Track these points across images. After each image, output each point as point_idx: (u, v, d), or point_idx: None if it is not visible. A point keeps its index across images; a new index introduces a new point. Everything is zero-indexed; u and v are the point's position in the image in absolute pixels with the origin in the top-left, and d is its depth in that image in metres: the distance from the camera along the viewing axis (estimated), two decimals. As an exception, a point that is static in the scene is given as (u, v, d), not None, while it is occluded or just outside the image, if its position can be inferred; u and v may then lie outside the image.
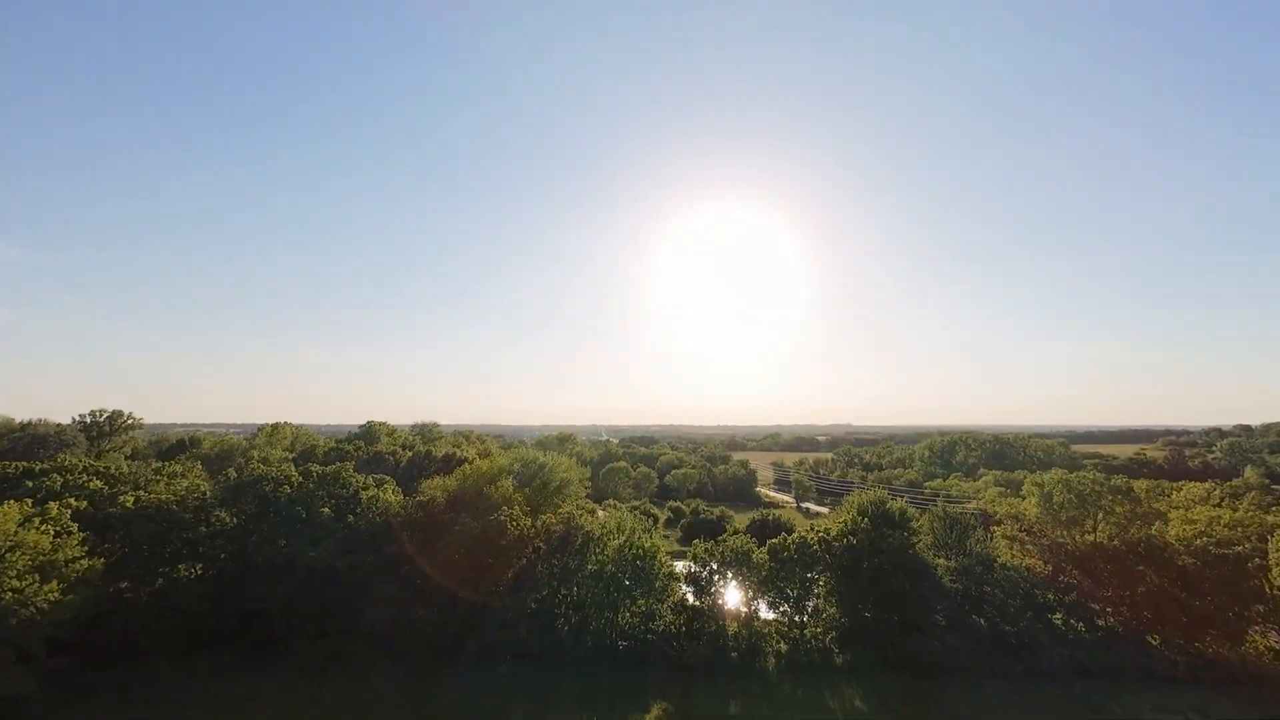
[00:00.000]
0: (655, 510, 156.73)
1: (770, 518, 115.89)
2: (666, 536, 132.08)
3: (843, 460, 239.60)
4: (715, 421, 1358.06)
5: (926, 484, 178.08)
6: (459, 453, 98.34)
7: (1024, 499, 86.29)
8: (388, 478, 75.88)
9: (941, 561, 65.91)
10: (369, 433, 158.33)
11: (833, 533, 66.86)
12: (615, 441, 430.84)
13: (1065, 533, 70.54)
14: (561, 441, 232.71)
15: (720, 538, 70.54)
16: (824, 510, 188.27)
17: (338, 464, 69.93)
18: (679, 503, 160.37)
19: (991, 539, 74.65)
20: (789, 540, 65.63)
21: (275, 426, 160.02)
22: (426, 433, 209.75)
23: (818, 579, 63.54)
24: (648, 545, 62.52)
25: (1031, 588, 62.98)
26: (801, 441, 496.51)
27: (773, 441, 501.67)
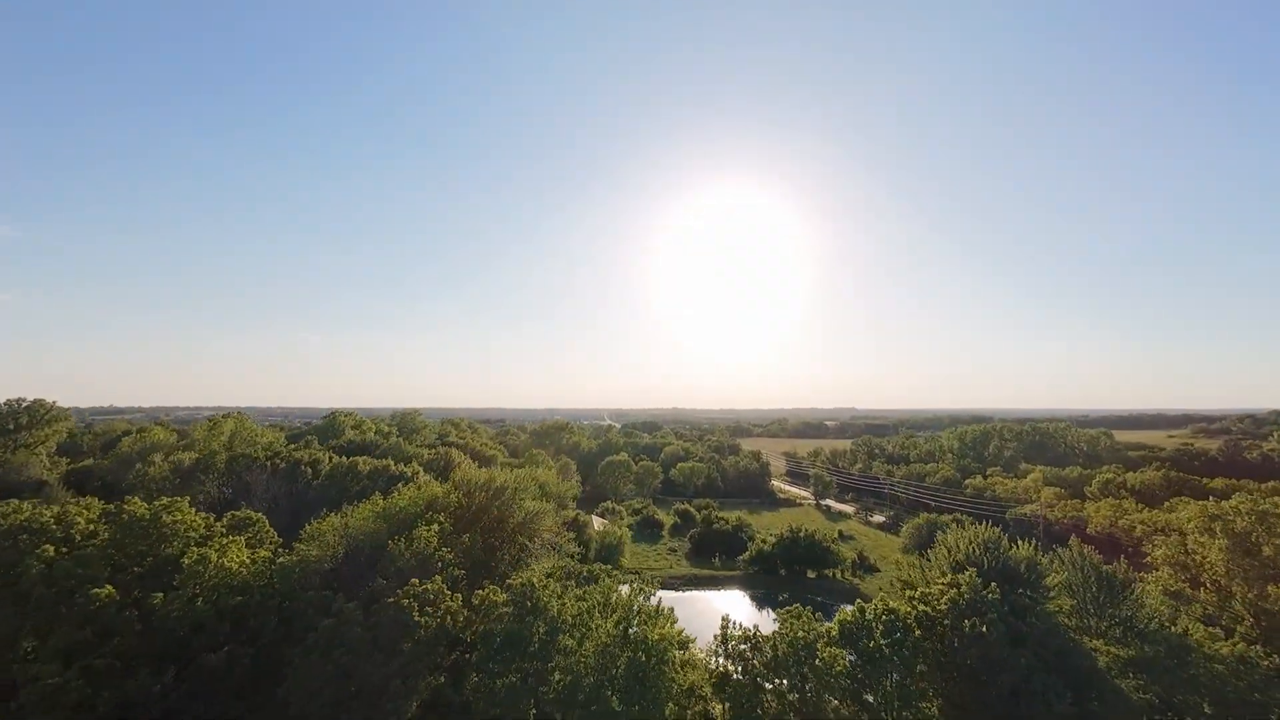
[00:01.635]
0: (660, 514, 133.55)
1: (802, 534, 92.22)
2: (673, 550, 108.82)
3: (863, 451, 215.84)
4: (719, 405, 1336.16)
5: (966, 482, 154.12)
6: (401, 468, 73.44)
7: (1174, 531, 62.53)
8: (258, 517, 49.95)
9: (1101, 646, 42.07)
10: (332, 425, 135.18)
11: (938, 601, 42.96)
12: (618, 428, 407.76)
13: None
14: (556, 432, 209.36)
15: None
16: (847, 509, 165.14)
17: (171, 500, 44.10)
18: (687, 504, 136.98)
19: (1136, 589, 50.52)
20: (872, 615, 41.65)
21: (214, 421, 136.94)
22: (406, 423, 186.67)
23: (911, 679, 39.75)
24: (655, 639, 38.60)
25: (1253, 689, 39.06)
26: (809, 427, 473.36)
27: (779, 427, 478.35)
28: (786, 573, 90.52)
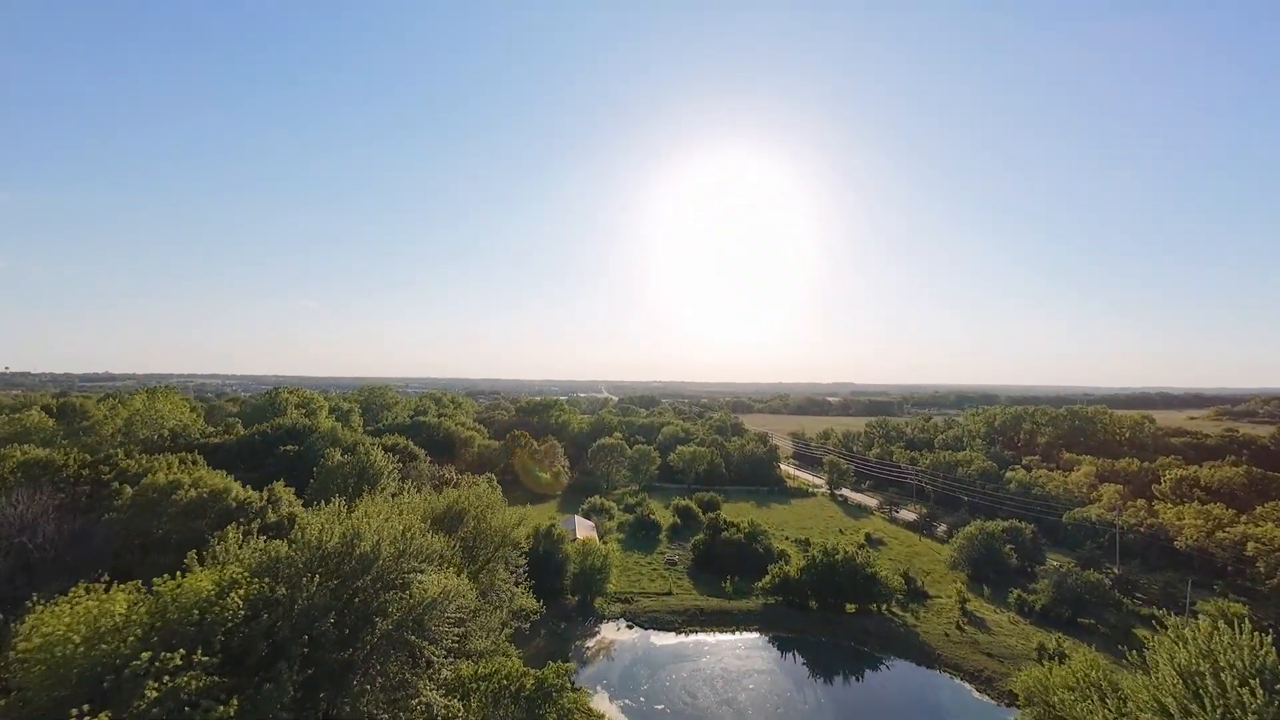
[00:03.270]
0: (656, 511, 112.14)
1: (839, 556, 70.14)
2: (673, 564, 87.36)
3: (878, 434, 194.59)
4: (718, 379, 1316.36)
5: (1007, 475, 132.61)
6: (246, 497, 48.58)
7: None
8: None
9: None
10: (272, 403, 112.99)
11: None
12: (613, 402, 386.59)
13: None
14: (544, 409, 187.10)
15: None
16: (867, 501, 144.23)
17: None
18: (688, 500, 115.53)
19: None
20: None
21: (152, 392, 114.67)
22: (374, 399, 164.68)
23: None
24: None
25: None
26: (811, 404, 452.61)
27: (781, 404, 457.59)
28: (818, 605, 69.13)
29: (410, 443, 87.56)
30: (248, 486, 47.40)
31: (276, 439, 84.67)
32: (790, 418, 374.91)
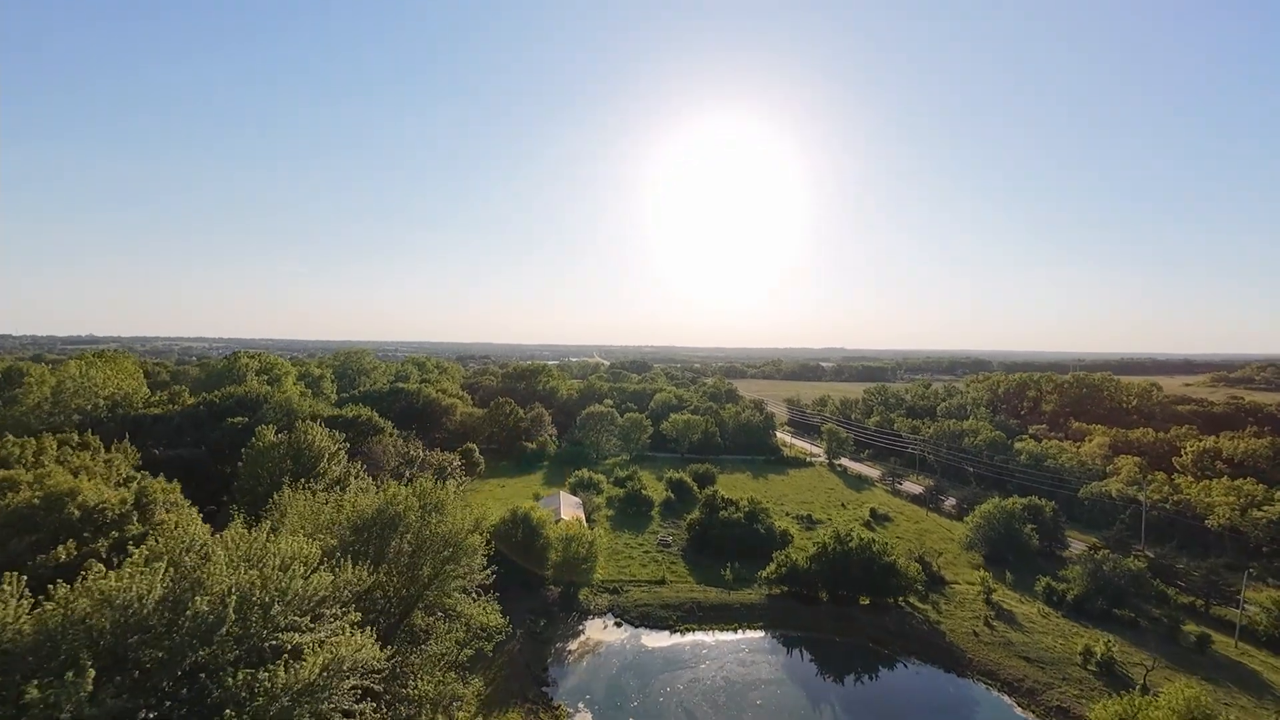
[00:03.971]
0: (648, 484, 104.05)
1: (853, 543, 61.94)
2: (666, 545, 79.40)
3: (877, 401, 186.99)
4: (710, 344, 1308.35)
5: (1016, 445, 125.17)
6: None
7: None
8: None
9: None
10: (231, 369, 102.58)
11: None
12: (605, 367, 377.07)
13: None
14: (532, 375, 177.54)
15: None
16: (868, 472, 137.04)
17: None
18: (681, 473, 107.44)
19: None
20: None
21: (99, 355, 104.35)
22: (349, 364, 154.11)
23: None
24: None
25: None
26: (805, 369, 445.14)
27: (774, 369, 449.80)
28: (830, 598, 61.31)
29: (375, 414, 77.97)
30: (133, 483, 37.66)
31: (225, 410, 74.93)
32: (784, 383, 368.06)
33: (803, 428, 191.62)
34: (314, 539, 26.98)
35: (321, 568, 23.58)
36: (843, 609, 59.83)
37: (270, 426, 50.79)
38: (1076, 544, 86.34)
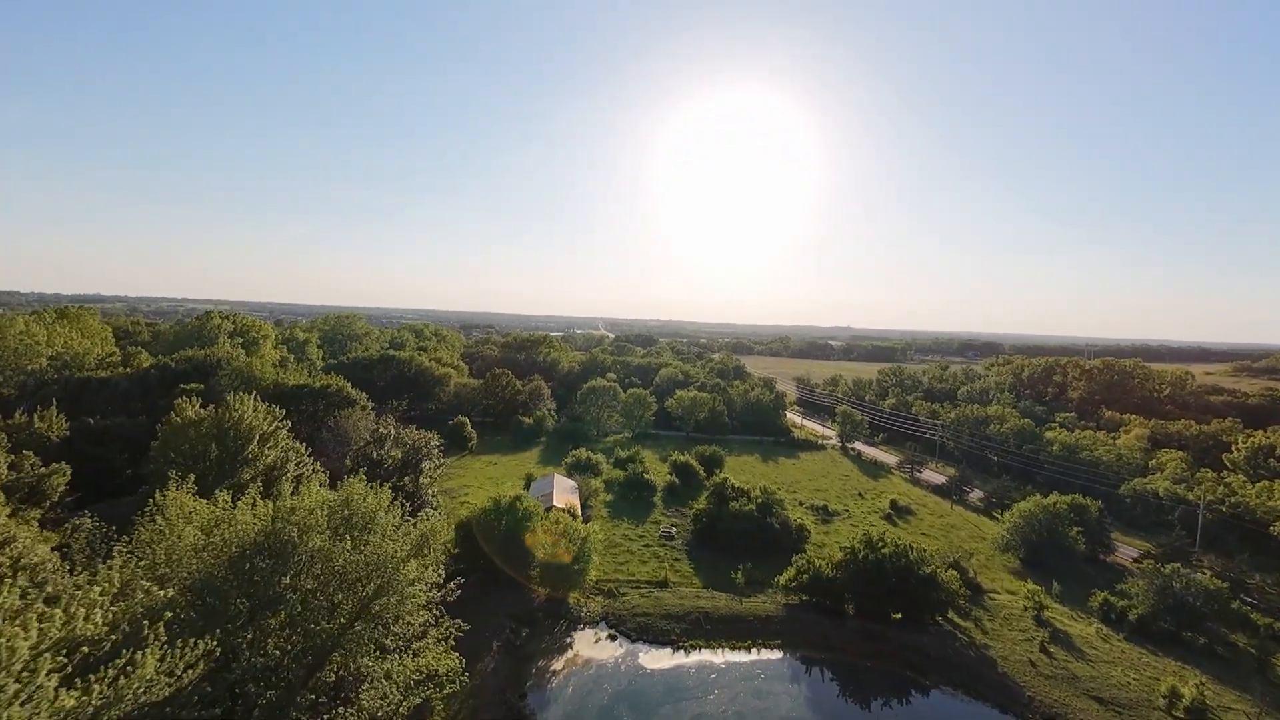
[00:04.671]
0: (652, 468, 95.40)
1: (886, 550, 52.95)
2: (669, 537, 71.06)
3: (893, 383, 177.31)
4: (717, 319, 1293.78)
5: (1047, 435, 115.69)
6: None
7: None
8: None
9: None
10: (201, 330, 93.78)
11: None
12: (609, 340, 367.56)
13: None
14: (532, 345, 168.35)
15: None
16: (883, 457, 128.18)
17: None
18: (687, 456, 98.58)
19: None
20: None
21: (62, 310, 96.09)
22: (339, 329, 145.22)
23: None
24: None
25: None
26: (813, 347, 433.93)
27: (782, 346, 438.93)
28: (857, 611, 52.73)
29: (348, 384, 69.05)
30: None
31: (180, 374, 66.32)
32: (792, 361, 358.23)
33: (813, 408, 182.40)
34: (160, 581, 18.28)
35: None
36: (872, 625, 51.26)
37: (192, 401, 41.71)
38: (1123, 549, 77.62)
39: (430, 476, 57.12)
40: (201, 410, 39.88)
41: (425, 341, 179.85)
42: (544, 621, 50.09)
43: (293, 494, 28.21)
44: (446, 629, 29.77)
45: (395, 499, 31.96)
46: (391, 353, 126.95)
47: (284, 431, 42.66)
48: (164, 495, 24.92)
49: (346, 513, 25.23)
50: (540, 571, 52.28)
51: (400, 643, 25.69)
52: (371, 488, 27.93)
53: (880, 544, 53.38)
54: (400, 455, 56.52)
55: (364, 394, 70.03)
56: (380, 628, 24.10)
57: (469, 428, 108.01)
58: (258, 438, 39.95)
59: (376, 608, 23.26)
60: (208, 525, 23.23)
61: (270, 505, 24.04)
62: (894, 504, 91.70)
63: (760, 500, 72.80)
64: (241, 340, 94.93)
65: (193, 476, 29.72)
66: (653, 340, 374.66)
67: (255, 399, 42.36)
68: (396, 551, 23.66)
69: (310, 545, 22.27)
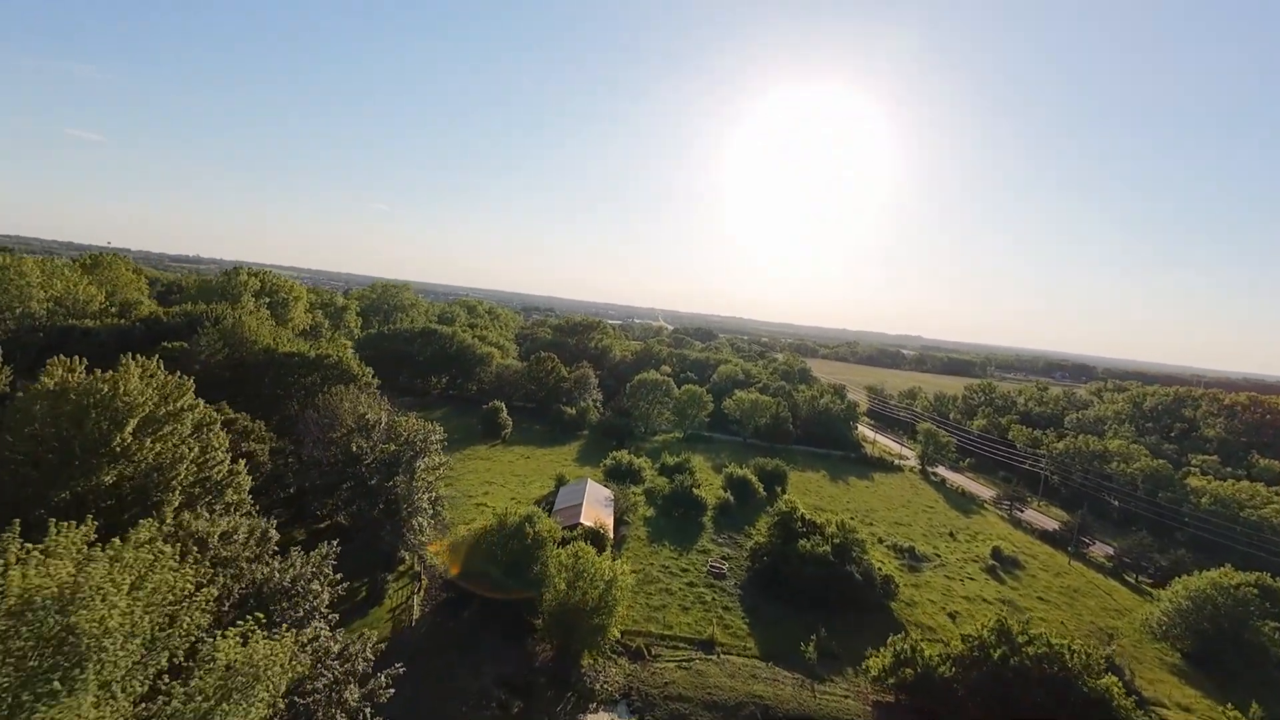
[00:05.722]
0: (703, 481, 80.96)
1: (1028, 647, 36.78)
2: (719, 575, 56.79)
3: (982, 401, 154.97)
4: (778, 319, 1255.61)
5: (1189, 479, 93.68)
6: None
7: None
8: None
9: None
10: (227, 286, 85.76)
11: None
12: (667, 332, 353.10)
13: None
14: (584, 331, 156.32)
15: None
16: (973, 488, 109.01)
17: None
18: (744, 470, 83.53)
19: None
20: None
21: (93, 257, 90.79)
22: (385, 298, 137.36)
23: None
24: None
25: None
26: (883, 355, 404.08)
27: (849, 351, 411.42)
28: (980, 727, 36.96)
29: (353, 356, 57.86)
30: None
31: (169, 330, 57.22)
32: (858, 367, 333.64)
33: (885, 422, 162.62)
34: None
35: None
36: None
37: (66, 364, 30.17)
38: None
39: (425, 479, 44.96)
40: (72, 379, 28.49)
41: (477, 319, 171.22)
42: (545, 692, 36.95)
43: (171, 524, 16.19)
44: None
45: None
46: (434, 327, 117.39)
47: (194, 416, 30.80)
48: None
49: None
50: (548, 619, 39.19)
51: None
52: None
53: (1022, 638, 37.24)
54: (392, 450, 44.60)
55: (370, 370, 58.98)
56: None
57: (504, 414, 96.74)
58: (135, 422, 28.21)
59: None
60: None
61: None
62: (997, 553, 73.93)
63: (837, 540, 57.25)
64: (268, 300, 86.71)
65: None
66: (712, 335, 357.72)
67: (157, 364, 30.98)
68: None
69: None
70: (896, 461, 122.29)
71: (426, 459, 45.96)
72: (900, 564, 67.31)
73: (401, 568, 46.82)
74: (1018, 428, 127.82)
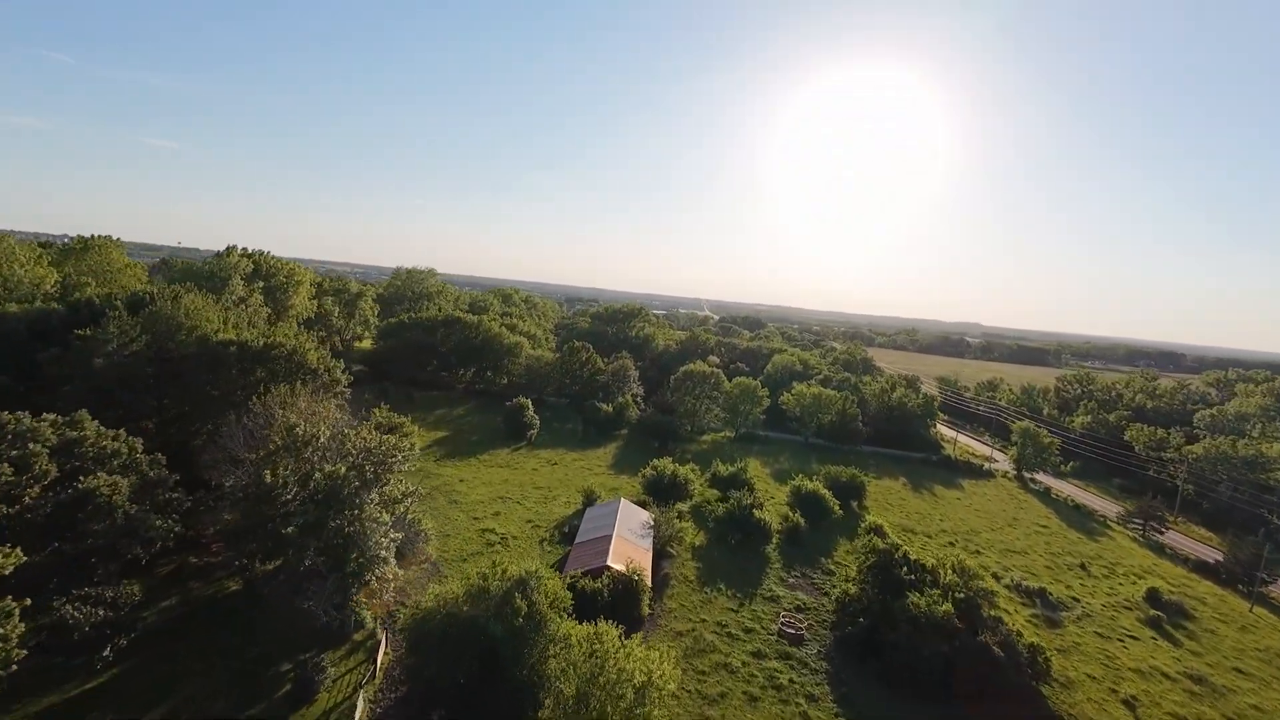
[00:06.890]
0: (761, 490, 65.44)
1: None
2: (794, 638, 41.20)
3: (1080, 393, 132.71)
4: (826, 306, 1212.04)
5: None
6: None
7: None
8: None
9: None
10: (219, 266, 75.18)
11: None
12: (713, 321, 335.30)
13: None
14: (625, 318, 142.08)
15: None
16: (1083, 496, 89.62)
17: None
18: (814, 484, 67.13)
19: None
20: None
21: (84, 241, 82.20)
22: (409, 285, 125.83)
23: None
24: None
25: None
26: (945, 343, 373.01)
27: (908, 340, 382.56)
28: None
29: (307, 345, 45.07)
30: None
31: (97, 314, 45.82)
32: (920, 357, 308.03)
33: (959, 416, 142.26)
34: None
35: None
36: None
37: None
38: None
39: (385, 515, 31.40)
40: None
41: (512, 308, 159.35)
42: None
43: None
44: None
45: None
46: (457, 315, 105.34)
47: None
48: None
49: None
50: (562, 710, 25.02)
51: None
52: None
53: None
54: (341, 474, 31.19)
55: (340, 363, 46.19)
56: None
57: (530, 412, 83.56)
58: None
59: None
60: None
61: None
62: (1155, 596, 55.80)
63: (961, 592, 41.03)
64: (263, 285, 75.87)
65: None
66: (760, 324, 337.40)
67: None
68: None
69: None
70: (985, 465, 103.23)
71: (386, 487, 32.35)
72: (1031, 615, 50.44)
73: (359, 635, 33.62)
74: (1135, 426, 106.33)
